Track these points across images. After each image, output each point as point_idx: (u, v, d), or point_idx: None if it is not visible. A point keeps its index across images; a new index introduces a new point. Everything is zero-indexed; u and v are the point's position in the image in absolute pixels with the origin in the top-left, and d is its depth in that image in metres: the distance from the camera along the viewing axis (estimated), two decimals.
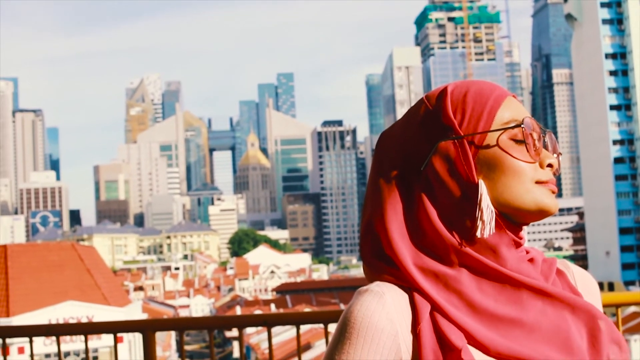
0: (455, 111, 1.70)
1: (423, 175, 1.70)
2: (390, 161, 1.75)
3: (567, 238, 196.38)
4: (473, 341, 1.60)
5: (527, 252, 1.73)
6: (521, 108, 1.72)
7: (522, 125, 1.66)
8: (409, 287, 1.65)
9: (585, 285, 1.83)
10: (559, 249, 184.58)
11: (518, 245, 1.70)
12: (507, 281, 1.65)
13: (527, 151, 1.66)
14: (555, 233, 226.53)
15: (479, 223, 1.63)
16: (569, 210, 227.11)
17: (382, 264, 1.69)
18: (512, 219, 1.69)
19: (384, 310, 1.59)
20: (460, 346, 1.57)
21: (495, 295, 1.64)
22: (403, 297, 1.64)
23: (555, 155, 1.72)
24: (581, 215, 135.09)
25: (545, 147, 1.71)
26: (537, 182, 1.67)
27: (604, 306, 4.31)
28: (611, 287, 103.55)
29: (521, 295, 1.65)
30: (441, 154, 1.68)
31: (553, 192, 1.68)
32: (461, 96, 1.71)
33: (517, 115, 1.69)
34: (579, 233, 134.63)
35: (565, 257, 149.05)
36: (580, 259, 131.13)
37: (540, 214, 1.67)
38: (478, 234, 1.63)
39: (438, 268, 1.65)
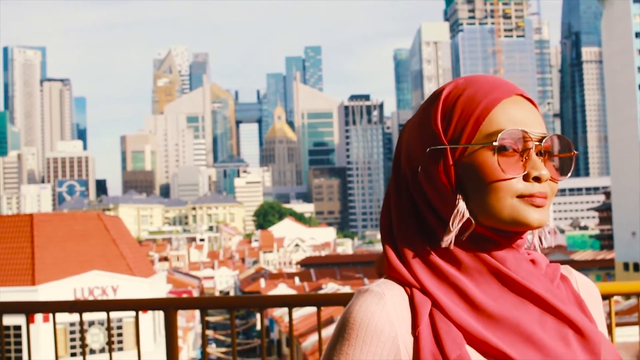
0: (443, 117, 1.65)
1: (418, 178, 1.67)
2: (402, 154, 1.73)
3: (593, 217, 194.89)
4: (472, 340, 1.58)
5: (528, 254, 1.70)
6: (519, 112, 1.62)
7: (494, 143, 1.58)
8: (410, 284, 1.63)
9: (588, 291, 1.80)
10: (585, 228, 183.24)
11: (518, 247, 1.67)
12: (505, 280, 1.62)
13: (501, 167, 1.59)
14: (582, 212, 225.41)
15: (447, 235, 1.61)
16: (596, 189, 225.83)
17: (391, 251, 1.67)
18: (497, 229, 1.64)
19: (383, 312, 1.57)
20: (455, 357, 1.54)
21: (495, 295, 1.61)
22: (403, 297, 1.62)
23: (560, 158, 1.65)
24: (608, 194, 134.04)
25: (546, 154, 1.63)
26: (520, 196, 1.59)
27: (623, 294, 4.32)
28: (636, 267, 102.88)
29: (521, 297, 1.62)
30: (429, 160, 1.65)
31: (538, 206, 1.60)
32: (453, 101, 1.64)
33: (507, 124, 1.60)
34: (605, 213, 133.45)
35: (590, 237, 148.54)
36: (606, 239, 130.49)
37: (520, 227, 1.61)
38: (443, 244, 1.62)
39: (439, 264, 1.62)
